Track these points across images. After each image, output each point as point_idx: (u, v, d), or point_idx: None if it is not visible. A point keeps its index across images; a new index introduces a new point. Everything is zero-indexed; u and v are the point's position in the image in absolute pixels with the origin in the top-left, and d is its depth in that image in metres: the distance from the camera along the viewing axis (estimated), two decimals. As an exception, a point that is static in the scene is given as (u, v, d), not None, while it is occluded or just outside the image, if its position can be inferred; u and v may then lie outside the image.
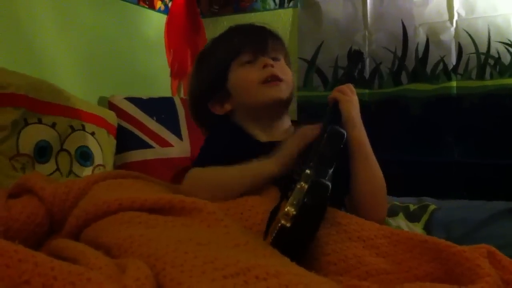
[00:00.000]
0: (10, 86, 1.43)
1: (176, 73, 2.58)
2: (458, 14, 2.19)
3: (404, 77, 2.28)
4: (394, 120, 2.28)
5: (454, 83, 2.17)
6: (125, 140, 1.96)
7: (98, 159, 1.71)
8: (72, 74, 1.91)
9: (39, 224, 0.96)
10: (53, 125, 1.55)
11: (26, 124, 1.47)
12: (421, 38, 2.26)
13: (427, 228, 1.31)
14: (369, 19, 2.37)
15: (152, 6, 2.46)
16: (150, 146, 1.99)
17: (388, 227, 0.94)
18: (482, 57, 2.13)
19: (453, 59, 2.19)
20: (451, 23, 2.21)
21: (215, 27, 2.64)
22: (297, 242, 0.78)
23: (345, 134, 0.92)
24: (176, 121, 2.11)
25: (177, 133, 2.08)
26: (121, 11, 2.26)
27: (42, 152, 1.50)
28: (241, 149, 1.08)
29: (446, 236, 0.95)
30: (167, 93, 2.51)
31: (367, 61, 2.34)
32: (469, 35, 2.17)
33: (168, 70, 2.55)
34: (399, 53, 2.29)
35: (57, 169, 1.54)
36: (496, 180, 2.02)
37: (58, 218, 0.97)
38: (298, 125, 1.25)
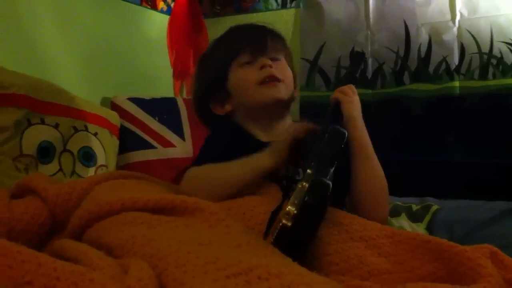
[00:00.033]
0: (12, 87, 1.43)
1: (178, 74, 2.58)
2: (461, 14, 2.19)
3: (406, 77, 2.28)
4: (396, 120, 2.28)
5: (456, 83, 2.17)
6: (128, 141, 1.96)
7: (101, 159, 1.71)
8: (75, 75, 1.92)
9: (42, 225, 0.96)
10: (56, 126, 1.55)
11: (29, 124, 1.47)
12: (424, 38, 2.25)
13: (430, 228, 1.31)
14: (371, 19, 2.36)
15: (154, 7, 2.47)
16: (153, 147, 1.99)
17: (390, 227, 0.94)
18: (485, 57, 2.13)
19: (456, 59, 2.18)
20: (454, 23, 2.20)
21: (217, 27, 2.64)
22: (298, 241, 0.78)
23: (346, 133, 0.92)
24: (179, 122, 2.11)
25: (180, 133, 2.08)
26: (123, 12, 2.26)
27: (45, 152, 1.51)
28: (241, 149, 1.08)
29: (449, 236, 0.95)
30: (170, 94, 2.51)
31: (370, 61, 2.34)
32: (472, 35, 2.16)
33: (171, 70, 2.55)
34: (402, 53, 2.29)
35: (60, 169, 1.54)
36: (498, 180, 2.01)
37: (60, 219, 0.97)
38: None
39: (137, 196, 0.88)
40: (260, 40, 1.22)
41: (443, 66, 2.20)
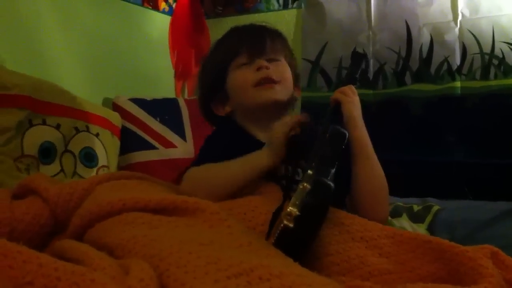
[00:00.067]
0: (14, 87, 1.43)
1: (180, 74, 2.58)
2: (462, 14, 2.19)
3: (408, 77, 2.28)
4: (398, 120, 2.28)
5: (458, 84, 2.17)
6: (129, 141, 1.96)
7: (102, 160, 1.71)
8: (76, 75, 1.92)
9: (44, 225, 0.96)
10: (57, 127, 1.55)
11: (31, 125, 1.47)
12: (425, 38, 2.25)
13: (431, 229, 1.30)
14: (373, 19, 2.36)
15: (156, 7, 2.47)
16: (154, 147, 1.99)
17: (391, 227, 0.94)
18: (486, 57, 2.13)
19: (457, 60, 2.18)
20: (455, 23, 2.20)
21: (219, 28, 2.62)
22: (299, 242, 0.78)
23: (347, 134, 0.92)
24: (180, 122, 2.11)
25: (181, 134, 2.08)
26: (125, 12, 2.27)
27: (47, 153, 1.51)
28: (241, 149, 1.08)
29: (450, 237, 0.95)
30: (171, 94, 2.52)
31: (371, 62, 2.34)
32: (473, 35, 2.16)
33: (172, 71, 2.56)
34: (403, 53, 2.29)
35: (62, 170, 1.55)
36: (499, 180, 2.01)
37: (62, 219, 0.97)
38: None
39: (138, 197, 0.88)
40: (258, 41, 1.22)
41: (445, 66, 2.20)
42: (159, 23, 2.49)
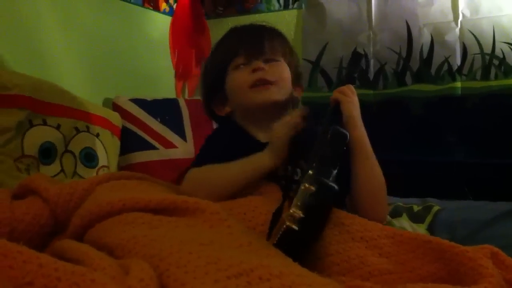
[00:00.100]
0: (15, 88, 1.43)
1: (180, 75, 2.58)
2: (463, 14, 2.19)
3: (408, 77, 2.28)
4: (398, 120, 2.28)
5: (458, 84, 2.17)
6: (129, 141, 1.96)
7: (102, 160, 1.71)
8: (77, 76, 1.92)
9: (44, 225, 0.96)
10: (57, 127, 1.55)
11: (31, 125, 1.47)
12: (426, 38, 2.25)
13: (431, 229, 1.30)
14: (373, 19, 2.36)
15: (157, 8, 2.47)
16: (154, 148, 1.99)
17: (391, 227, 0.94)
18: (487, 57, 2.13)
19: (458, 60, 2.18)
20: (456, 23, 2.20)
21: (220, 28, 2.62)
22: (301, 243, 0.78)
23: (348, 135, 0.92)
24: (180, 123, 2.11)
25: (181, 134, 2.08)
26: (126, 13, 2.27)
27: (47, 153, 1.51)
28: (240, 149, 1.09)
29: (450, 237, 0.95)
30: (172, 94, 2.52)
31: (372, 62, 2.34)
32: (474, 35, 2.16)
33: (173, 71, 2.56)
34: (404, 53, 2.29)
35: (62, 170, 1.55)
36: (499, 180, 2.01)
37: (62, 219, 0.97)
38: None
39: (138, 197, 0.88)
40: (256, 42, 1.22)
41: (445, 66, 2.20)
42: (159, 24, 2.49)
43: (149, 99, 2.12)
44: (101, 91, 2.05)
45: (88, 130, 1.67)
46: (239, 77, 1.21)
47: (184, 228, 0.80)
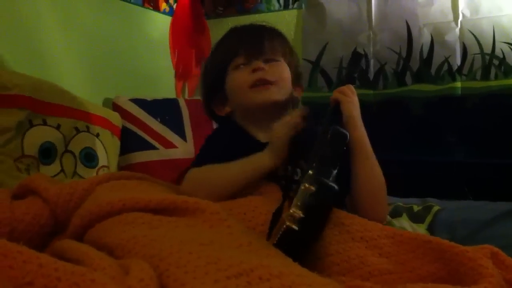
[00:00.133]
0: (15, 88, 1.43)
1: (180, 75, 2.58)
2: (463, 14, 2.19)
3: (408, 77, 2.28)
4: (398, 120, 2.28)
5: (458, 84, 2.17)
6: (129, 142, 1.96)
7: (102, 160, 1.71)
8: (77, 76, 1.92)
9: (44, 225, 0.96)
10: (57, 127, 1.55)
11: (31, 125, 1.47)
12: (426, 38, 2.25)
13: (431, 229, 1.30)
14: (373, 19, 2.36)
15: (157, 8, 2.47)
16: (154, 148, 1.99)
17: (391, 227, 0.94)
18: (487, 57, 2.13)
19: (458, 60, 2.18)
20: (456, 23, 2.20)
21: (220, 28, 2.62)
22: (301, 243, 0.78)
23: (348, 135, 0.92)
24: (180, 123, 2.11)
25: (181, 134, 2.08)
26: (126, 13, 2.27)
27: (47, 153, 1.51)
28: (240, 149, 1.09)
29: (450, 237, 0.95)
30: (172, 94, 2.52)
31: (371, 62, 2.34)
32: (474, 35, 2.16)
33: (173, 71, 2.56)
34: (404, 53, 2.29)
35: (62, 170, 1.55)
36: (499, 180, 2.01)
37: (62, 219, 0.97)
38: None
39: (138, 197, 0.88)
40: (256, 42, 1.22)
41: (445, 66, 2.20)
42: (159, 24, 2.49)
43: (149, 99, 2.12)
44: (101, 91, 2.05)
45: (88, 130, 1.67)
46: (239, 77, 1.21)
47: (184, 228, 0.80)
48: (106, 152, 1.74)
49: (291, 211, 0.77)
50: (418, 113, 2.24)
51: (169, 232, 0.77)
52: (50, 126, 1.53)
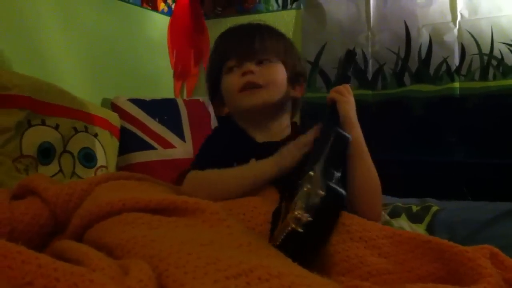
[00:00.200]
0: (14, 88, 1.43)
1: (179, 75, 2.58)
2: (461, 15, 2.19)
3: (407, 78, 2.28)
4: (397, 120, 2.28)
5: (457, 84, 2.17)
6: (128, 142, 1.96)
7: (101, 160, 1.71)
8: (75, 76, 1.92)
9: (43, 225, 0.96)
10: (56, 127, 1.55)
11: (30, 125, 1.47)
12: (424, 39, 2.26)
13: (430, 229, 1.30)
14: (372, 20, 2.36)
15: (155, 8, 2.47)
16: (153, 148, 1.99)
17: (391, 227, 0.94)
18: (485, 58, 2.13)
19: (456, 60, 2.19)
20: (454, 24, 2.20)
21: (219, 28, 2.61)
22: (306, 246, 0.78)
23: (350, 138, 0.93)
24: (179, 123, 2.12)
25: (180, 134, 2.08)
26: (124, 13, 2.27)
27: (45, 153, 1.51)
28: (238, 149, 1.08)
29: (449, 237, 0.94)
30: (170, 95, 2.52)
31: (370, 62, 2.34)
32: (472, 36, 2.16)
33: (171, 71, 2.56)
34: (402, 54, 2.29)
35: (60, 170, 1.54)
36: (499, 181, 2.01)
37: (61, 219, 0.97)
38: (296, 126, 1.26)
39: (138, 197, 0.88)
40: (247, 44, 1.21)
41: (444, 67, 2.20)
42: (158, 24, 2.49)
43: (147, 99, 2.12)
44: (100, 91, 2.06)
45: (86, 130, 1.67)
46: (230, 81, 1.21)
47: (184, 228, 0.80)
48: (105, 152, 1.74)
49: (295, 213, 0.76)
50: (417, 113, 2.24)
51: (168, 232, 0.77)
52: (48, 126, 1.53)
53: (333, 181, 0.81)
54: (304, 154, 1.03)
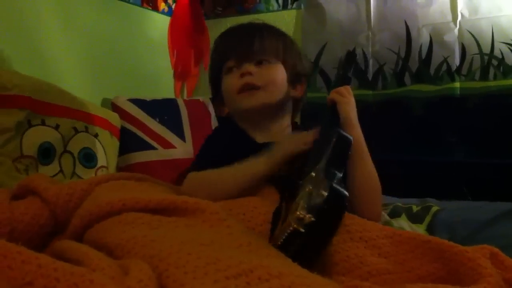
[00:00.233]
0: (15, 88, 1.43)
1: (179, 75, 2.58)
2: (462, 14, 2.19)
3: (407, 78, 2.28)
4: (397, 120, 2.28)
5: (457, 84, 2.17)
6: (128, 142, 1.96)
7: (101, 160, 1.71)
8: (76, 76, 1.92)
9: (43, 225, 0.96)
10: (56, 127, 1.55)
11: (30, 125, 1.47)
12: (425, 39, 2.26)
13: (430, 229, 1.30)
14: (372, 20, 2.36)
15: (155, 8, 2.47)
16: (153, 148, 1.99)
17: (391, 227, 0.94)
18: (486, 58, 2.13)
19: (457, 60, 2.19)
20: (455, 23, 2.20)
21: (219, 28, 2.62)
22: (307, 247, 0.77)
23: (352, 139, 0.93)
24: (179, 123, 2.12)
25: (180, 134, 2.08)
26: (124, 13, 2.27)
27: (46, 153, 1.51)
28: (238, 150, 1.09)
29: (449, 237, 0.95)
30: (170, 95, 2.52)
31: (370, 62, 2.34)
32: (473, 36, 2.16)
33: (171, 71, 2.56)
34: (403, 54, 2.29)
35: (60, 170, 1.54)
36: (499, 181, 2.01)
37: (61, 219, 0.97)
38: (296, 126, 1.26)
39: (138, 197, 0.88)
40: (246, 44, 1.21)
41: (444, 67, 2.20)
42: (158, 24, 2.49)
43: (148, 99, 2.12)
44: (100, 91, 2.06)
45: (87, 130, 1.67)
46: (229, 82, 1.21)
47: (184, 228, 0.80)
48: (105, 152, 1.74)
49: (297, 213, 0.76)
50: (417, 113, 2.24)
51: (168, 232, 0.77)
52: (48, 126, 1.53)
53: (335, 182, 0.81)
54: (302, 154, 1.03)
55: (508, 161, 2.02)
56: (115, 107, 2.00)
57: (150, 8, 2.43)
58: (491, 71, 2.12)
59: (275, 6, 2.65)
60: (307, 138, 1.04)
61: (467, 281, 0.73)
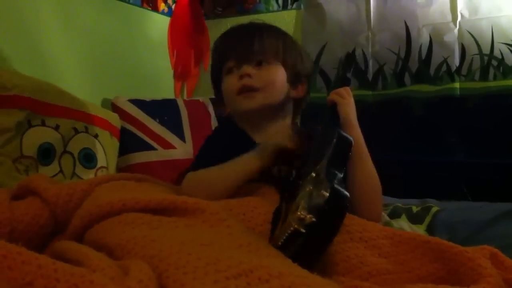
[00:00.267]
0: (15, 88, 1.43)
1: (179, 75, 2.58)
2: (462, 15, 2.19)
3: (407, 78, 2.28)
4: (397, 121, 2.28)
5: (457, 84, 2.17)
6: (128, 142, 1.96)
7: (101, 161, 1.71)
8: (76, 76, 1.92)
9: (43, 226, 0.96)
10: (56, 127, 1.55)
11: (30, 126, 1.47)
12: (425, 39, 2.26)
13: (430, 230, 1.30)
14: (372, 20, 2.36)
15: (155, 8, 2.47)
16: (153, 148, 1.99)
17: (391, 228, 0.94)
18: (486, 58, 2.13)
19: (457, 60, 2.19)
20: (455, 24, 2.20)
21: (219, 29, 2.63)
22: (308, 247, 0.77)
23: (353, 140, 0.93)
24: (179, 123, 2.12)
25: (180, 135, 2.08)
26: (124, 13, 2.27)
27: (46, 154, 1.51)
28: (238, 150, 1.09)
29: (449, 238, 0.95)
30: (170, 95, 2.52)
31: (370, 62, 2.34)
32: (473, 36, 2.16)
33: (171, 71, 2.56)
34: (403, 54, 2.29)
35: (60, 171, 1.54)
36: (499, 181, 2.01)
37: (61, 220, 0.97)
38: (297, 126, 1.26)
39: (138, 197, 0.88)
40: (245, 45, 1.20)
41: (444, 67, 2.20)
42: (158, 24, 2.49)
43: (147, 99, 2.12)
44: (100, 91, 2.06)
45: (87, 131, 1.67)
46: (229, 83, 1.21)
47: (184, 229, 0.80)
48: (105, 152, 1.74)
49: (298, 213, 0.76)
50: (417, 113, 2.24)
51: (168, 233, 0.77)
52: (48, 126, 1.53)
53: (336, 182, 0.81)
54: (301, 154, 1.03)
55: (508, 161, 2.02)
56: (115, 108, 2.01)
57: (150, 8, 2.43)
58: (491, 71, 2.12)
59: (275, 6, 2.65)
60: (295, 140, 1.06)
61: (467, 281, 0.73)
